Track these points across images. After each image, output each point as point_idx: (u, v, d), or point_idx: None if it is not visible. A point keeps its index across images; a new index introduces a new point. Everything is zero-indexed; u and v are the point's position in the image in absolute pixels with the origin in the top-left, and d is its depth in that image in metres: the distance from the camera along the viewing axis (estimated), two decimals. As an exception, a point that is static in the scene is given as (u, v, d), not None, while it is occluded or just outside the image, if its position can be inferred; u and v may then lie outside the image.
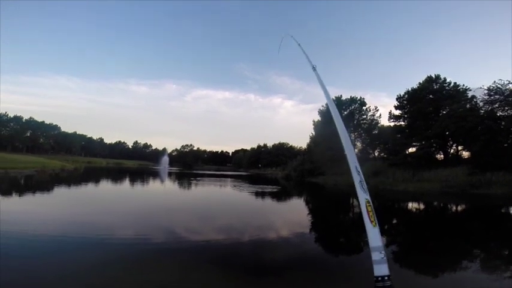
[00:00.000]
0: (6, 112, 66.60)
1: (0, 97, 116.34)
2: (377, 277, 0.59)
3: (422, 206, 14.37)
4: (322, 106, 42.33)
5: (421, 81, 30.23)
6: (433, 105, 28.21)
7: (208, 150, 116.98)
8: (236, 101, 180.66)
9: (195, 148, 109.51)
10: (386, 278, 0.58)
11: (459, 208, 14.16)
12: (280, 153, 72.95)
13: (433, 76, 29.57)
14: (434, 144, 26.91)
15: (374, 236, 0.70)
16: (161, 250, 5.61)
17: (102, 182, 23.13)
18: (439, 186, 20.07)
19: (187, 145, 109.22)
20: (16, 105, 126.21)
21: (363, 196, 0.79)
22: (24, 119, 70.00)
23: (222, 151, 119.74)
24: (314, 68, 1.42)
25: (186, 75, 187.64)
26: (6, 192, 12.48)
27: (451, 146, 28.06)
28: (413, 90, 30.37)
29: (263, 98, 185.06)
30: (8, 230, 6.09)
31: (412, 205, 14.86)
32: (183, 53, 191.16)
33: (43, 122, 74.28)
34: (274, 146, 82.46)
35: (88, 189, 17.10)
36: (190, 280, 4.22)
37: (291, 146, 79.97)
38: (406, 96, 30.89)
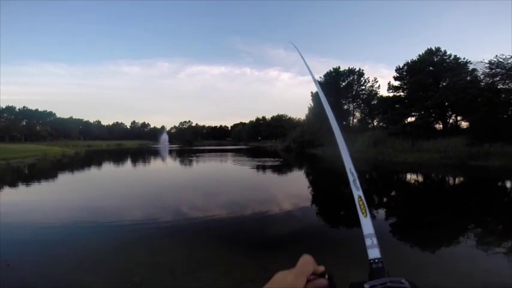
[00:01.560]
0: None
1: None
2: (370, 259, 0.69)
3: (420, 179, 14.63)
4: (320, 77, 41.56)
5: (421, 54, 29.92)
6: (432, 77, 28.01)
7: (207, 125, 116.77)
8: (231, 75, 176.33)
9: (193, 124, 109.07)
10: (377, 260, 0.69)
11: (457, 181, 14.32)
12: (279, 125, 72.87)
13: (434, 48, 29.21)
14: (433, 114, 27.05)
15: (366, 225, 0.80)
16: (169, 230, 5.86)
17: (105, 165, 23.41)
18: (438, 156, 20.22)
19: (185, 122, 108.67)
20: (6, 96, 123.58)
21: (356, 193, 0.88)
22: (18, 108, 69.38)
23: (221, 126, 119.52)
24: (316, 81, 1.55)
25: (178, 52, 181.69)
26: (13, 183, 12.61)
27: (450, 116, 28.15)
28: (412, 62, 30.12)
29: (259, 71, 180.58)
30: (21, 221, 6.29)
31: (410, 177, 15.16)
32: (173, 30, 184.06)
33: (37, 110, 73.50)
34: (273, 118, 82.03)
35: (92, 174, 17.37)
36: (198, 259, 4.43)
37: (289, 118, 79.59)
38: (406, 67, 30.65)
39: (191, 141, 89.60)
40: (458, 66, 27.17)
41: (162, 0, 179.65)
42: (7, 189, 11.06)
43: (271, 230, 6.04)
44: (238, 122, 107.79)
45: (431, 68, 28.56)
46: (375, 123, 36.44)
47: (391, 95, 32.09)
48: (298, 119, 64.27)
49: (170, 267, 4.04)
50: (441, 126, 28.46)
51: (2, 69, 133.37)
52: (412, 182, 13.76)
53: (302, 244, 5.20)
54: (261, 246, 5.02)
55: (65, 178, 14.93)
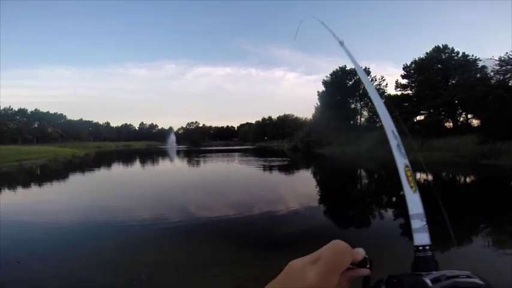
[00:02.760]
0: (10, 106, 67.97)
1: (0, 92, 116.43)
2: (417, 246, 0.55)
3: (430, 177, 14.31)
4: (326, 76, 41.36)
5: (428, 51, 29.43)
6: (441, 74, 27.62)
7: (213, 126, 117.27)
8: (237, 76, 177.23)
9: (200, 125, 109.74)
10: (427, 247, 0.56)
11: (468, 180, 13.97)
12: (286, 125, 72.58)
13: (441, 46, 28.72)
14: (443, 112, 26.57)
15: (414, 203, 0.64)
16: (175, 229, 5.94)
17: (114, 166, 23.81)
18: (450, 155, 19.81)
19: (192, 122, 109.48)
20: (18, 98, 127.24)
21: (402, 161, 0.68)
22: (29, 111, 71.18)
23: (227, 126, 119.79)
24: (341, 43, 1.31)
25: (184, 54, 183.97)
26: (25, 184, 12.91)
27: (460, 114, 27.57)
28: (420, 59, 29.71)
29: (264, 71, 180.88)
30: (33, 221, 6.47)
31: (420, 176, 14.88)
32: (179, 32, 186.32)
33: (48, 112, 75.59)
34: (279, 118, 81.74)
35: (102, 174, 17.70)
36: (203, 257, 4.48)
37: (296, 118, 79.09)
38: (413, 65, 30.27)
39: (198, 141, 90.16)
40: (467, 64, 26.68)
41: (167, 1, 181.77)
42: (20, 190, 11.33)
43: (277, 229, 6.03)
44: (245, 122, 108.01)
45: (439, 65, 28.16)
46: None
47: (399, 93, 31.70)
48: (305, 118, 63.83)
49: (175, 266, 4.11)
50: (451, 124, 27.93)
51: (15, 72, 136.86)
52: (422, 181, 13.48)
53: (309, 244, 5.11)
54: (267, 245, 5.03)
55: (75, 179, 15.27)
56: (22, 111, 69.65)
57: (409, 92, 30.78)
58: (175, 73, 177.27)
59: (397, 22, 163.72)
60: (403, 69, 31.20)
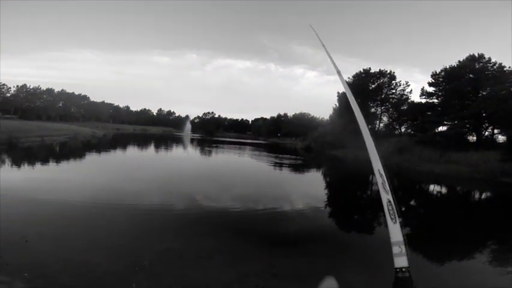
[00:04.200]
0: (39, 86, 72.20)
1: (32, 73, 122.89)
2: (396, 268, 0.67)
3: (444, 190, 13.90)
4: (348, 78, 40.26)
5: (462, 60, 27.80)
6: (472, 84, 25.96)
7: (228, 118, 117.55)
8: (256, 70, 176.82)
9: (216, 116, 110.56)
10: (404, 269, 0.68)
11: (483, 196, 13.50)
12: (301, 124, 71.53)
13: (476, 55, 26.96)
14: (467, 125, 25.12)
15: (394, 232, 0.80)
16: (182, 217, 6.02)
17: (130, 148, 24.46)
18: (467, 170, 18.94)
19: (208, 113, 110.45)
20: (47, 79, 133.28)
21: (385, 197, 0.85)
22: (56, 91, 74.96)
23: (242, 119, 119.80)
24: (339, 73, 1.47)
25: (206, 45, 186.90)
26: (44, 160, 13.32)
27: (486, 128, 26.04)
28: (451, 67, 28.15)
29: (284, 67, 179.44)
30: (45, 198, 6.53)
31: (433, 188, 14.44)
32: (203, 23, 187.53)
33: (73, 93, 79.34)
34: (294, 115, 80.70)
35: (117, 156, 18.25)
36: (207, 247, 4.51)
37: (312, 117, 77.89)
38: (443, 73, 28.78)
39: (213, 131, 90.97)
40: (501, 75, 24.94)
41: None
42: (38, 166, 11.61)
43: (282, 226, 6.03)
44: (259, 116, 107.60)
45: (471, 75, 26.49)
46: (402, 130, 34.77)
47: (423, 101, 30.47)
48: (321, 118, 62.62)
49: (179, 254, 4.15)
50: (475, 138, 26.50)
51: (46, 55, 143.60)
52: (434, 193, 13.07)
53: (312, 244, 5.13)
54: (271, 241, 5.03)
55: (91, 158, 15.80)
56: (49, 91, 73.00)
57: (435, 100, 29.40)
58: (196, 63, 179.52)
59: (429, 26, 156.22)
60: (432, 76, 29.82)
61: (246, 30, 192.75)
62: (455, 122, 25.27)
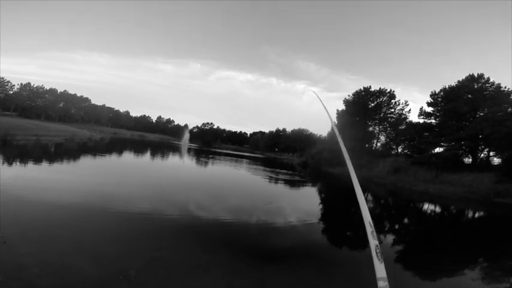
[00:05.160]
0: (42, 85, 72.92)
1: (38, 72, 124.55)
2: None
3: (437, 209, 13.95)
4: (348, 95, 40.89)
5: (461, 79, 28.09)
6: (469, 105, 26.21)
7: (227, 129, 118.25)
8: (257, 83, 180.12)
9: (215, 126, 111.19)
10: None
11: (476, 215, 13.73)
12: (299, 139, 71.97)
13: (476, 75, 27.18)
14: (464, 147, 25.31)
15: (380, 270, 0.94)
16: (173, 226, 5.88)
17: (125, 154, 24.25)
18: (462, 190, 19.09)
19: (207, 123, 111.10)
20: (53, 78, 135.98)
21: (373, 242, 1.01)
22: (59, 91, 75.49)
23: (240, 131, 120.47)
24: (335, 124, 1.83)
25: (210, 55, 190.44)
26: (37, 159, 13.11)
27: (482, 150, 26.20)
28: (450, 87, 28.46)
29: (285, 82, 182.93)
30: (32, 198, 6.36)
31: (426, 207, 14.45)
32: (209, 34, 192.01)
33: (75, 94, 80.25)
34: (293, 131, 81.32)
35: (111, 160, 18.02)
36: (196, 259, 4.40)
37: (310, 133, 78.43)
38: (442, 93, 29.05)
39: (210, 142, 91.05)
40: (499, 96, 25.15)
41: (200, 4, 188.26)
42: (30, 165, 11.34)
43: (274, 241, 5.93)
44: (258, 130, 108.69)
45: (469, 95, 26.73)
46: (399, 150, 34.91)
47: (421, 121, 30.66)
48: (319, 135, 63.09)
49: (167, 264, 4.02)
50: (470, 160, 26.63)
51: (54, 55, 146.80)
52: (428, 212, 13.06)
53: (303, 260, 5.04)
54: (262, 256, 4.93)
55: (85, 161, 15.59)
56: (52, 91, 73.45)
57: (433, 120, 29.58)
58: (199, 73, 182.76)
59: (431, 45, 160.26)
60: (431, 96, 30.07)
61: (250, 43, 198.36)
62: (452, 143, 25.40)
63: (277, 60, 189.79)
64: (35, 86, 70.54)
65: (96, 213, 5.96)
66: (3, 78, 63.14)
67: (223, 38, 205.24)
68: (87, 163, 14.79)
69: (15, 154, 14.00)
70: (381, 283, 0.93)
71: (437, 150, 26.84)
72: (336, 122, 42.53)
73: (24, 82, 69.80)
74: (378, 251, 1.00)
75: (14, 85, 66.62)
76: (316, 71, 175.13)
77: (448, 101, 27.60)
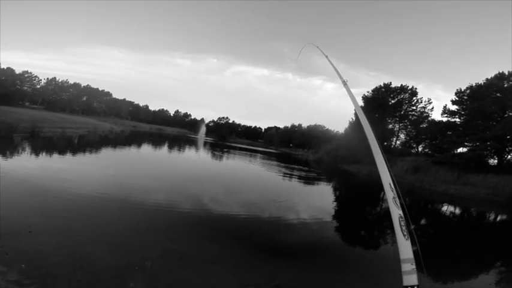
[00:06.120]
0: (67, 79, 76.21)
1: (62, 67, 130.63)
2: (406, 286, 0.63)
3: (457, 211, 13.44)
4: (368, 92, 39.79)
5: (489, 77, 26.47)
6: (498, 104, 24.64)
7: (242, 124, 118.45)
8: (273, 78, 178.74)
9: (230, 121, 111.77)
10: (415, 287, 0.65)
11: (498, 218, 13.20)
12: (314, 135, 71.00)
13: (506, 73, 25.49)
14: (489, 148, 23.95)
15: (405, 249, 0.75)
16: (187, 219, 6.03)
17: (143, 146, 25.00)
18: (485, 192, 18.21)
19: (223, 117, 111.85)
20: (76, 73, 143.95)
21: (396, 211, 0.80)
22: (82, 85, 78.79)
23: (255, 126, 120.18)
24: (345, 83, 1.44)
25: (226, 50, 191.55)
26: (62, 151, 13.82)
27: (510, 151, 24.72)
28: (477, 85, 26.87)
29: (302, 78, 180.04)
30: (56, 189, 6.65)
31: (446, 208, 13.95)
32: (225, 29, 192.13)
33: (97, 88, 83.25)
34: (309, 127, 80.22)
35: (130, 152, 18.67)
36: (209, 252, 4.49)
37: (327, 129, 77.03)
38: (468, 91, 27.51)
39: (225, 136, 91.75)
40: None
41: (216, 1, 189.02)
42: (55, 156, 11.93)
43: (286, 237, 5.95)
44: (273, 125, 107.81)
45: (498, 94, 25.17)
46: (419, 149, 33.63)
47: (444, 119, 29.24)
48: (336, 132, 61.93)
49: (181, 256, 4.13)
50: (496, 161, 25.19)
51: (78, 50, 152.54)
52: (447, 213, 12.62)
53: (314, 257, 5.04)
54: (273, 251, 4.96)
55: (106, 152, 16.26)
56: (76, 85, 76.61)
57: (457, 119, 28.17)
58: (215, 68, 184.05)
59: (456, 42, 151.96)
60: (456, 94, 28.64)
61: (267, 38, 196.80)
62: (477, 143, 24.12)
63: (293, 56, 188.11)
64: (60, 80, 73.74)
65: (115, 204, 6.19)
66: (31, 73, 66.22)
67: (239, 33, 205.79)
68: (107, 155, 15.39)
69: (42, 145, 14.80)
70: (406, 266, 0.71)
71: (460, 150, 25.63)
72: (354, 118, 41.60)
73: (50, 77, 73.23)
74: (402, 223, 0.80)
75: (40, 80, 69.77)
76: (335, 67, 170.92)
77: (474, 100, 26.12)
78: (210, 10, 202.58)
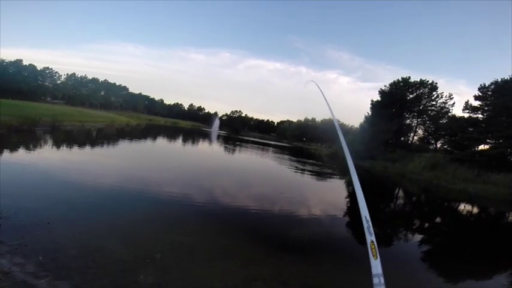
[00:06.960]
0: (86, 75, 79.10)
1: (81, 62, 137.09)
2: None
3: (475, 210, 12.96)
4: (385, 86, 38.46)
5: (516, 73, 24.92)
6: (525, 100, 23.28)
7: (255, 117, 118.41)
8: (286, 72, 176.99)
9: (243, 115, 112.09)
10: None
11: None
12: (328, 130, 69.70)
13: (535, 67, 23.94)
14: (513, 145, 22.74)
15: (376, 266, 0.94)
16: (198, 212, 6.13)
17: (159, 139, 25.59)
18: (506, 192, 17.40)
19: (236, 111, 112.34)
20: (93, 69, 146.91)
21: (369, 238, 1.00)
22: (100, 80, 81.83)
23: (267, 120, 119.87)
24: (330, 110, 1.85)
25: (239, 45, 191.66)
26: (81, 143, 14.36)
27: (536, 149, 23.32)
28: (503, 81, 25.44)
29: (315, 71, 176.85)
30: (75, 181, 6.90)
31: (463, 207, 13.47)
32: (238, 23, 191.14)
33: (115, 83, 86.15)
34: (322, 121, 78.79)
35: (146, 145, 19.16)
36: (219, 246, 4.57)
37: (341, 124, 75.54)
38: (493, 86, 26.11)
39: (238, 130, 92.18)
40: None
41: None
42: (74, 149, 12.35)
43: (295, 232, 5.95)
44: (285, 119, 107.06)
45: None
46: (438, 145, 32.44)
47: (466, 115, 27.92)
48: (351, 126, 60.71)
49: (191, 250, 4.22)
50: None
51: (96, 46, 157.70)
52: (464, 212, 12.18)
53: (324, 254, 5.02)
54: (281, 246, 4.98)
55: (123, 145, 16.78)
56: (94, 80, 79.31)
57: (479, 116, 26.89)
58: (229, 62, 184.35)
59: (481, 36, 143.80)
60: (479, 89, 27.27)
61: (280, 32, 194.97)
62: (500, 140, 23.00)
63: (306, 49, 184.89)
64: (79, 76, 76.59)
65: (128, 196, 6.40)
66: (52, 69, 68.87)
67: (252, 28, 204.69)
68: (123, 147, 15.88)
69: (62, 138, 15.49)
70: (375, 280, 0.92)
71: (482, 147, 24.52)
72: (369, 112, 40.54)
73: (69, 72, 75.94)
74: (373, 247, 1.00)
75: (61, 75, 72.66)
76: (350, 60, 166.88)
77: (499, 95, 24.80)
78: (223, 5, 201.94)
